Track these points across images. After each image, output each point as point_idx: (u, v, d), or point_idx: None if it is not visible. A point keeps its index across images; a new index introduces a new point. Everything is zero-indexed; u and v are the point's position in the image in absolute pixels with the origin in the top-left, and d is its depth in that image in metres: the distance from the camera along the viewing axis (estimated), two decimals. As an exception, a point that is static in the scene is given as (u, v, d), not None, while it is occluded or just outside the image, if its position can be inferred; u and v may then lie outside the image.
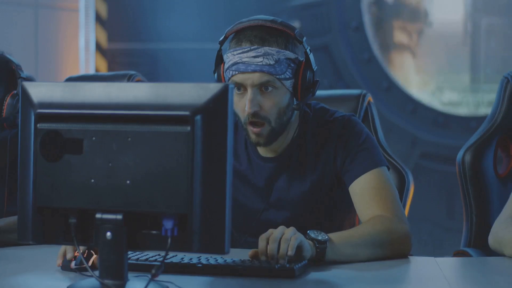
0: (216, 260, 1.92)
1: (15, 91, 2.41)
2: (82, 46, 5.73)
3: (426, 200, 5.23)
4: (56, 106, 1.66)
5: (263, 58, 2.14)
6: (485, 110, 5.06)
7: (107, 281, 1.62)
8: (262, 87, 2.17)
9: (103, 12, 5.75)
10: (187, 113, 1.57)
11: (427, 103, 5.23)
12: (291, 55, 2.18)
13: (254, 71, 2.14)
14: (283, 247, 1.88)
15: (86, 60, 5.75)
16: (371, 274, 1.94)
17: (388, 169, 2.28)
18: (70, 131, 1.63)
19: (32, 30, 5.46)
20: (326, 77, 5.23)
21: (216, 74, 2.27)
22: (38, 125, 1.65)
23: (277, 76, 2.16)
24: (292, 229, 1.93)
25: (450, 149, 5.10)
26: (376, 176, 2.22)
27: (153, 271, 1.58)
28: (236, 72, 2.16)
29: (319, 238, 1.98)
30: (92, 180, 1.62)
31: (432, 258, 2.08)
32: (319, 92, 2.49)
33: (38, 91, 1.68)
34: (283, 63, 2.16)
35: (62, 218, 1.66)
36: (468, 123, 5.09)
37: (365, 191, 2.21)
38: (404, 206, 2.59)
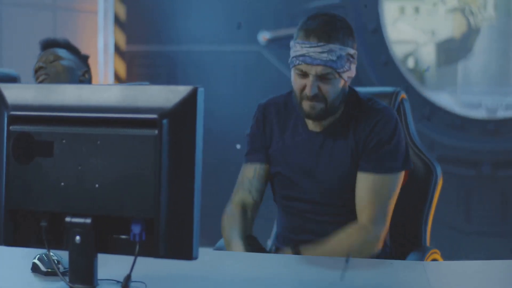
0: None
1: None
2: (101, 48, 5.74)
3: (443, 204, 5.16)
4: (28, 108, 1.65)
5: (328, 54, 2.46)
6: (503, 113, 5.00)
7: (76, 286, 1.61)
8: (322, 76, 2.48)
9: (122, 14, 5.76)
10: (155, 116, 1.55)
11: (444, 105, 5.17)
12: (351, 50, 2.51)
13: (318, 65, 2.47)
14: None
15: (105, 62, 5.76)
16: (355, 277, 1.92)
17: (409, 170, 2.55)
18: (41, 133, 1.62)
19: (50, 32, 5.48)
20: (343, 80, 5.19)
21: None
22: (10, 127, 1.65)
23: (337, 70, 2.48)
24: None
25: (467, 152, 5.04)
26: (385, 182, 2.50)
27: (123, 282, 1.57)
28: (302, 63, 2.48)
29: None
30: (62, 183, 1.61)
31: (420, 262, 2.06)
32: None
33: (12, 93, 1.68)
34: (343, 58, 2.48)
35: (33, 221, 1.65)
36: (485, 125, 5.02)
37: (368, 190, 2.49)
38: (431, 199, 2.89)
